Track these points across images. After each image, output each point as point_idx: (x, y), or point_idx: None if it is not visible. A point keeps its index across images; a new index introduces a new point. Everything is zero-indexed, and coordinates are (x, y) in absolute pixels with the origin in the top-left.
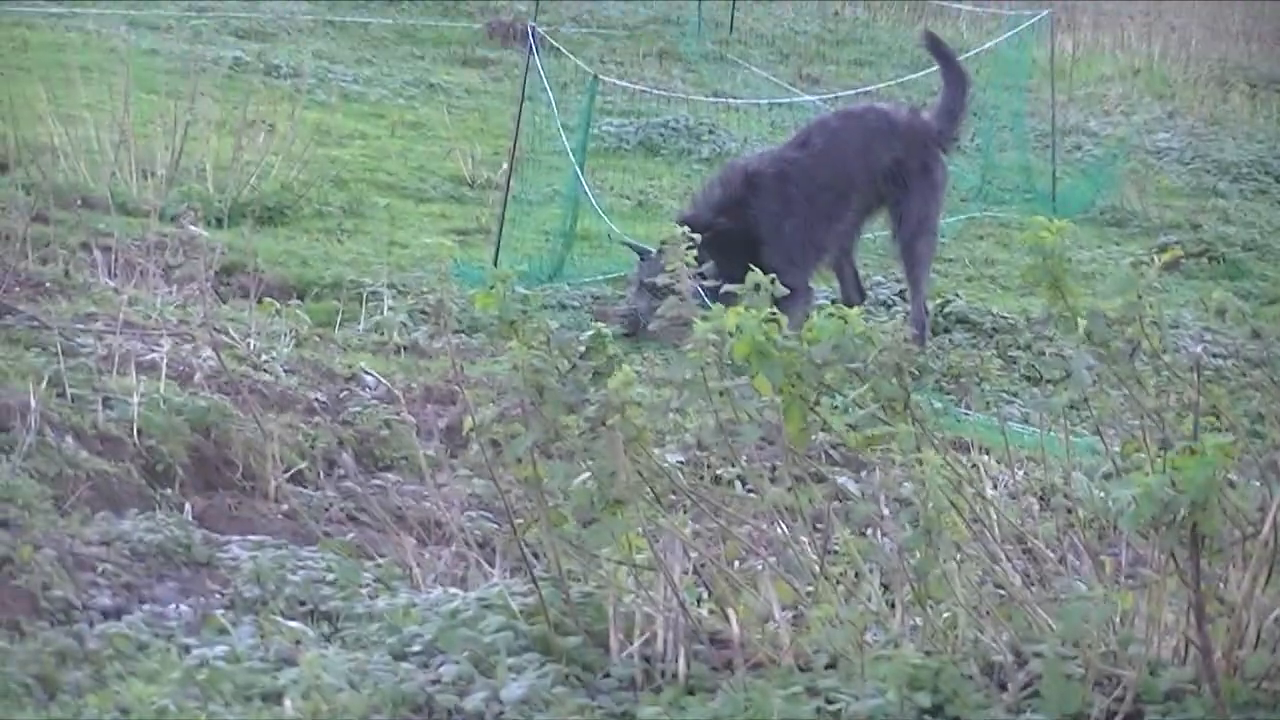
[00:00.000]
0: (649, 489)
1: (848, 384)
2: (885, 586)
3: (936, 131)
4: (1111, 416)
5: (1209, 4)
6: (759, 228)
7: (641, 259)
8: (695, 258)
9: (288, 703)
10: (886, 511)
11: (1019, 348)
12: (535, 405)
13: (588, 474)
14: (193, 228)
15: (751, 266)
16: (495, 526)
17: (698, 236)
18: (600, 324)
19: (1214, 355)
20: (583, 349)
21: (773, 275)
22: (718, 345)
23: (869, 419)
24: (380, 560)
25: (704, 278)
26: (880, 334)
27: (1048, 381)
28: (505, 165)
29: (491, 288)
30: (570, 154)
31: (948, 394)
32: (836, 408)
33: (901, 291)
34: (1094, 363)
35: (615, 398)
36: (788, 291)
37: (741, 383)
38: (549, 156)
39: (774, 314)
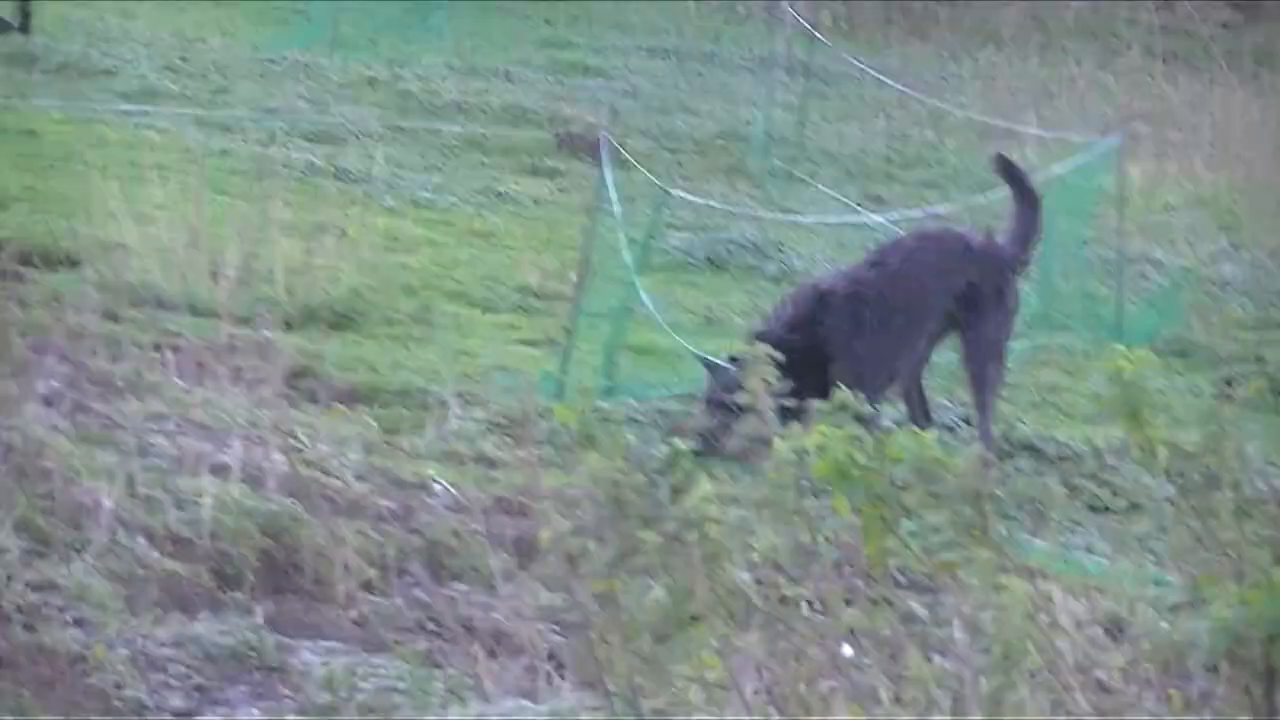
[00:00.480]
0: (724, 607)
1: (927, 507)
2: (955, 714)
3: (1010, 255)
4: (1185, 549)
5: (1276, 134)
6: (829, 346)
7: (712, 374)
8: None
9: None
10: (960, 636)
11: (1083, 476)
12: (612, 519)
13: (663, 590)
14: (266, 332)
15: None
16: (565, 639)
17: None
18: (675, 439)
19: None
20: (661, 464)
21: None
22: (797, 465)
23: (948, 544)
24: (450, 670)
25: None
26: (960, 459)
27: (1111, 511)
28: (574, 277)
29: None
30: (629, 267)
31: (1012, 519)
32: (914, 532)
33: (967, 417)
34: (1171, 493)
35: (694, 514)
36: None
37: (820, 504)
38: (617, 270)
39: (857, 436)
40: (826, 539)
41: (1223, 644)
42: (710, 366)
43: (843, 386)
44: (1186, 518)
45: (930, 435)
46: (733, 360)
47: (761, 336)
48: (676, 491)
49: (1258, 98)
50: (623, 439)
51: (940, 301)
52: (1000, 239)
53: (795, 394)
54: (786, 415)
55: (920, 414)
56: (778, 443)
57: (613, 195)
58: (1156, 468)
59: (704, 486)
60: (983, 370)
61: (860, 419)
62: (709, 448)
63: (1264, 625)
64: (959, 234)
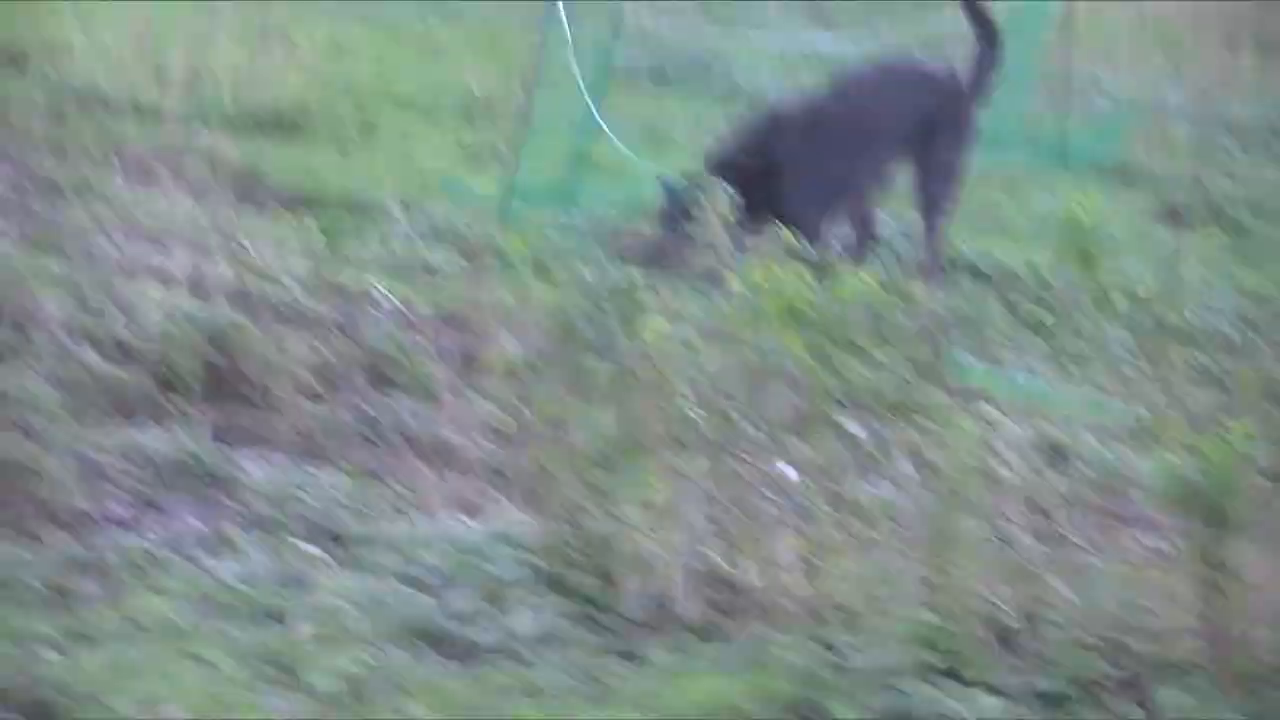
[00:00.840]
0: (671, 436)
1: (878, 345)
2: (899, 542)
3: (970, 86)
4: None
5: None
6: (782, 169)
7: (667, 192)
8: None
9: (299, 625)
10: (906, 469)
11: (1023, 296)
12: (562, 346)
13: (611, 417)
14: (209, 137)
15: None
16: (508, 458)
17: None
18: (624, 257)
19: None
20: (611, 293)
21: (787, 218)
22: (750, 299)
23: (898, 382)
24: (392, 483)
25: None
26: (912, 293)
27: (1050, 331)
28: (520, 88)
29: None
30: (579, 81)
31: (953, 341)
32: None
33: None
34: (1125, 336)
35: (646, 346)
36: (805, 234)
37: (771, 337)
38: (564, 81)
39: (809, 273)
40: (775, 371)
41: (1174, 490)
42: (666, 185)
43: (793, 209)
44: (1138, 359)
45: (874, 274)
46: (686, 179)
47: (716, 157)
48: (627, 321)
49: None
50: (575, 267)
51: (897, 130)
52: (960, 69)
53: (747, 213)
54: (741, 233)
55: (865, 235)
56: (729, 276)
57: (561, 8)
58: (1109, 310)
59: (656, 321)
60: (935, 193)
61: (803, 255)
62: (659, 265)
63: (1217, 475)
64: (920, 64)
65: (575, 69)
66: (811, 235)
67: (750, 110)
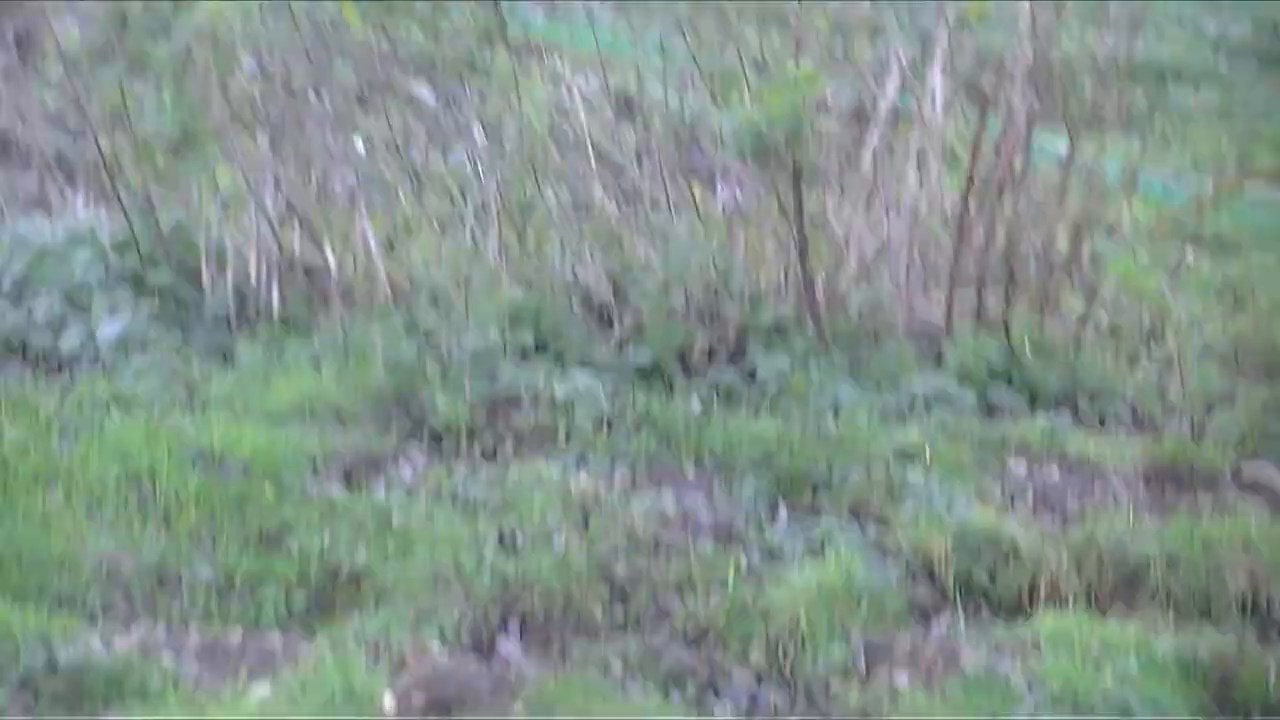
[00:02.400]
0: (237, 118)
1: (438, 6)
2: (478, 220)
3: None
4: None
5: None
6: None
7: None
8: None
9: None
10: (480, 138)
11: None
12: (119, 34)
13: (173, 103)
14: None
15: None
16: (75, 146)
17: None
18: None
19: None
20: None
21: None
22: None
23: (463, 45)
24: None
25: None
26: None
27: None
28: None
29: None
30: None
31: None
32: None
33: None
34: None
35: (207, 28)
36: None
37: (329, 8)
38: None
39: None
40: (336, 41)
41: (749, 141)
42: None
43: None
44: (699, 15)
45: None
46: None
47: None
48: (179, 3)
49: None
50: None
51: None
52: None
53: None
54: None
55: None
56: None
57: None
58: None
59: (215, 3)
60: None
61: None
62: None
63: (783, 123)
64: None
65: None
66: None
67: None
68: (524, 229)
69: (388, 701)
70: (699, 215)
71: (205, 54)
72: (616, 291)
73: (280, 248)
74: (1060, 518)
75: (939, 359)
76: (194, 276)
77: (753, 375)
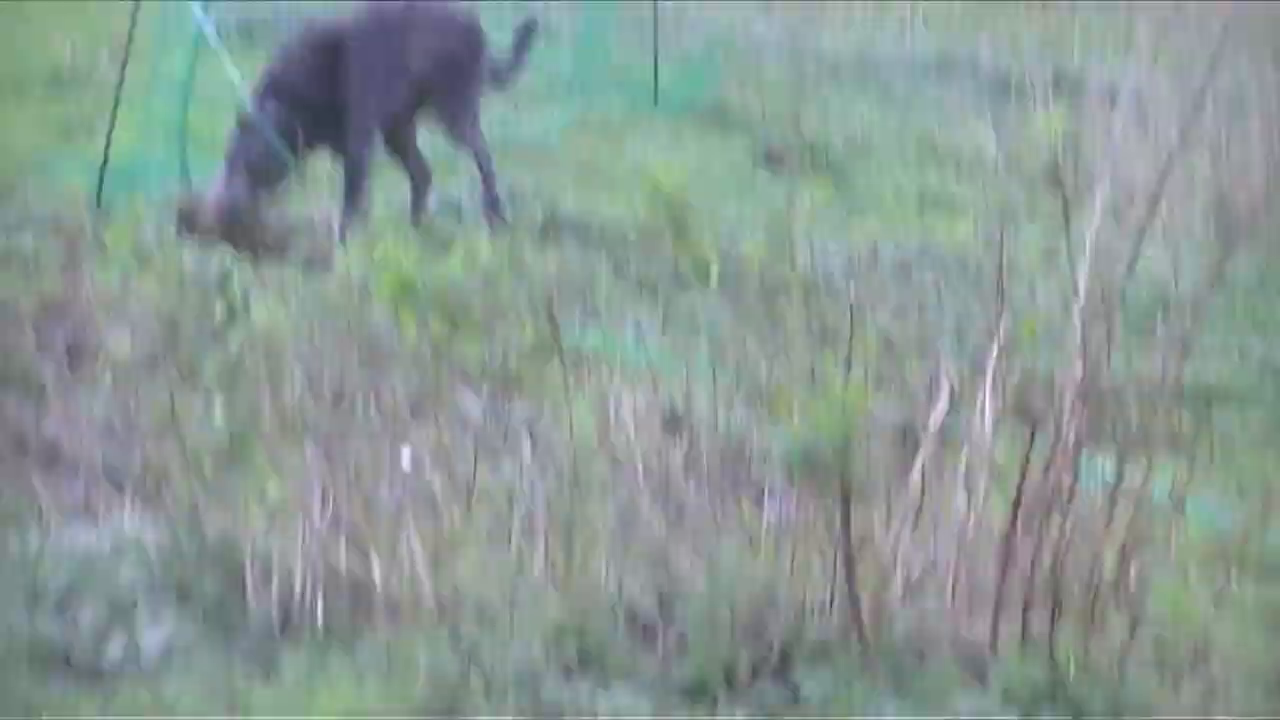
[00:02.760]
0: (286, 427)
1: (495, 317)
2: (526, 531)
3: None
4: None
5: None
6: (334, 93)
7: (239, 128)
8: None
9: None
10: (528, 452)
11: (629, 254)
12: (171, 340)
13: (224, 411)
14: None
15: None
16: (123, 458)
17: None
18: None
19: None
20: (216, 281)
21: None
22: (360, 279)
23: (518, 357)
24: (4, 490)
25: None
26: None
27: (659, 290)
28: (107, 55)
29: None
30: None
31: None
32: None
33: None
34: (724, 306)
35: (254, 335)
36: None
37: (383, 314)
38: (148, 47)
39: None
40: (388, 352)
41: (797, 458)
42: (240, 120)
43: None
44: (748, 331)
45: (487, 243)
46: (240, 123)
47: (276, 79)
48: (232, 313)
49: None
50: (177, 259)
51: (423, 66)
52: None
53: (308, 134)
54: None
55: (420, 175)
56: (339, 258)
57: None
58: (709, 283)
59: (263, 308)
60: (470, 133)
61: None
62: (230, 219)
63: (834, 438)
64: (444, 5)
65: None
66: (359, 164)
67: (290, 35)
68: (570, 544)
69: None
70: (746, 532)
71: (256, 363)
72: (662, 608)
73: (326, 559)
74: None
75: (984, 678)
76: (239, 586)
77: (797, 693)
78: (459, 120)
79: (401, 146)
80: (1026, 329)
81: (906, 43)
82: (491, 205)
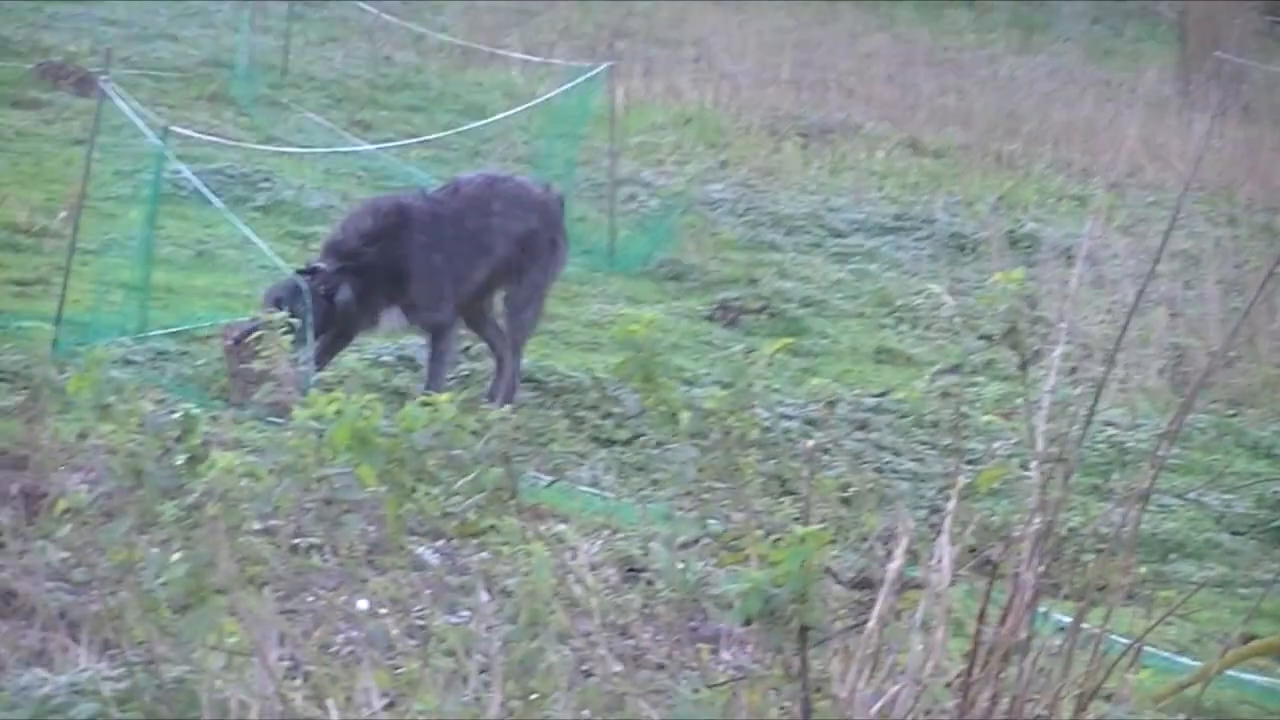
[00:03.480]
0: (245, 576)
1: (450, 470)
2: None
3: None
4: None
5: (758, 54)
6: (409, 261)
7: (309, 276)
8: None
9: None
10: (485, 597)
11: (586, 407)
12: (130, 489)
13: (183, 560)
14: None
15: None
16: (78, 600)
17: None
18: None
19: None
20: (177, 433)
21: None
22: (316, 432)
23: (474, 508)
24: None
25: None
26: (488, 421)
27: (615, 443)
28: (65, 213)
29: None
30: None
31: (520, 458)
32: (434, 495)
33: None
34: (695, 454)
35: (217, 485)
36: (437, 324)
37: (343, 470)
38: (105, 204)
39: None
40: (347, 505)
41: (755, 606)
42: (308, 270)
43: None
44: (708, 476)
45: (447, 397)
46: (302, 273)
47: (338, 247)
48: (193, 460)
49: (736, 15)
50: (139, 408)
51: (501, 239)
52: (557, 190)
53: (369, 305)
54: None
55: (496, 337)
56: (296, 410)
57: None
58: (679, 430)
59: (228, 458)
60: (522, 314)
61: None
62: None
63: (792, 584)
64: (522, 182)
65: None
66: (444, 327)
67: (369, 202)
68: (527, 690)
69: None
70: (703, 678)
71: (216, 510)
72: None
73: (283, 704)
74: None
75: None
76: None
77: None
78: (524, 302)
79: (479, 324)
80: (983, 480)
81: (863, 203)
82: (508, 393)
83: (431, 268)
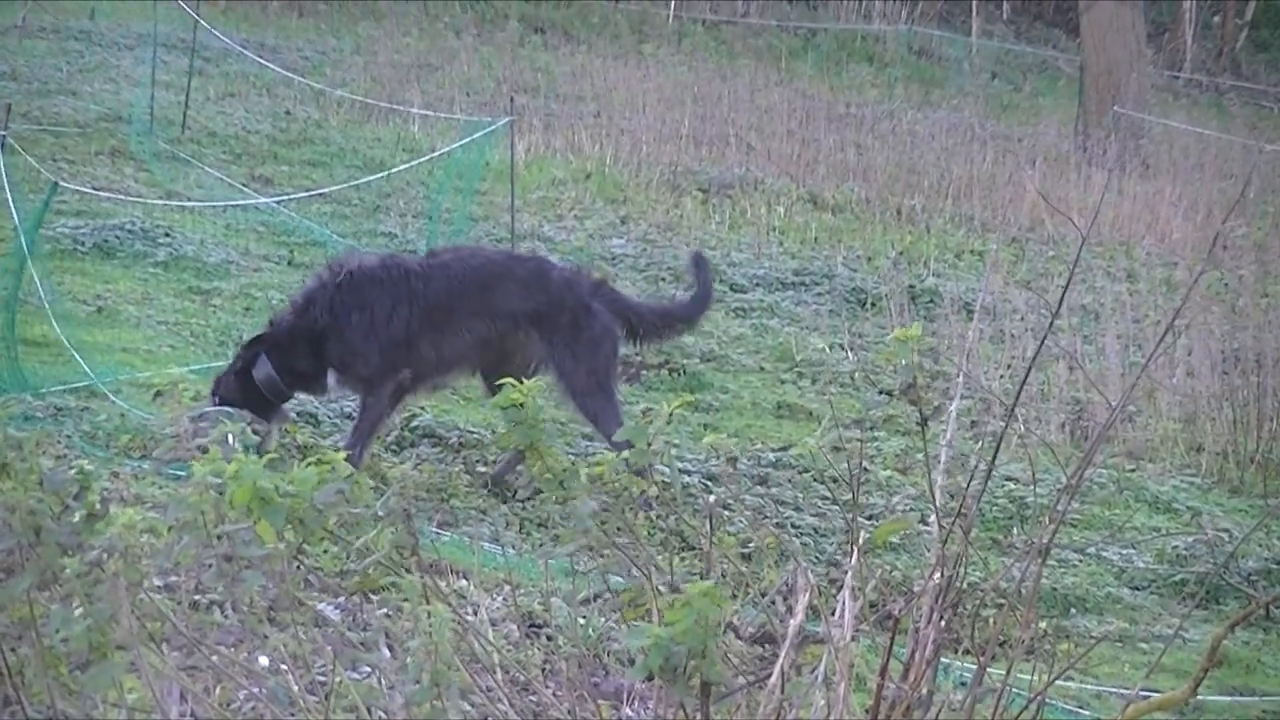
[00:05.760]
0: (145, 631)
1: (351, 528)
2: None
3: (588, 287)
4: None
5: (659, 108)
6: (327, 319)
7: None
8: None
9: None
10: (387, 653)
11: (486, 463)
12: (32, 546)
13: (83, 616)
14: None
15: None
16: None
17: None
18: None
19: (686, 473)
20: (75, 490)
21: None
22: (219, 489)
23: (375, 565)
24: None
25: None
26: (389, 477)
27: (519, 500)
28: None
29: None
30: (24, 255)
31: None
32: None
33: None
34: (594, 507)
35: (118, 541)
36: (360, 382)
37: (243, 527)
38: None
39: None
40: (246, 561)
41: (657, 662)
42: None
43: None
44: (609, 530)
45: (342, 455)
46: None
47: (273, 317)
48: (91, 517)
49: (637, 70)
50: (37, 464)
51: (485, 315)
52: (592, 274)
53: (304, 370)
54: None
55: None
56: (195, 466)
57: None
58: (575, 478)
59: (129, 514)
60: (582, 400)
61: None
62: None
63: (692, 640)
64: (539, 260)
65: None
66: (369, 385)
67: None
68: None
69: None
70: None
71: (116, 566)
72: None
73: None
74: None
75: None
76: None
77: None
78: (577, 391)
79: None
80: (880, 534)
81: (763, 258)
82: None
83: (351, 326)
